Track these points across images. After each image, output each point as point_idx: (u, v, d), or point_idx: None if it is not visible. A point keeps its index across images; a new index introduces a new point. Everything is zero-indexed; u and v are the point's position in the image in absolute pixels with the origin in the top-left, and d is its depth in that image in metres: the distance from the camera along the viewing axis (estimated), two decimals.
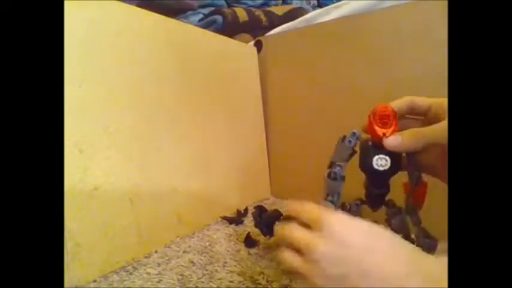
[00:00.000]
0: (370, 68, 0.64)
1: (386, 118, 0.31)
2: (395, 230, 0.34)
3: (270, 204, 0.74)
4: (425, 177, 0.33)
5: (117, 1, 0.50)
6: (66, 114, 0.39)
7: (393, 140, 0.30)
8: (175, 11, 0.96)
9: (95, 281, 0.42)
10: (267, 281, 0.43)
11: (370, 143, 0.32)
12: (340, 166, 0.33)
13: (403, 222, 0.34)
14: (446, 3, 0.25)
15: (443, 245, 0.30)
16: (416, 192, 0.33)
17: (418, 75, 0.57)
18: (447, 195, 0.23)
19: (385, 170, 0.31)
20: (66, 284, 0.39)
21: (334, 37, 0.70)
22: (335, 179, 0.32)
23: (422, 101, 0.33)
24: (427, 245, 0.32)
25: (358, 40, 0.66)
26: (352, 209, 0.35)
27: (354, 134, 0.33)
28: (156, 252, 0.50)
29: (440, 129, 0.30)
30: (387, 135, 0.30)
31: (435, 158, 0.34)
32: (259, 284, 0.42)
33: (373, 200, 0.34)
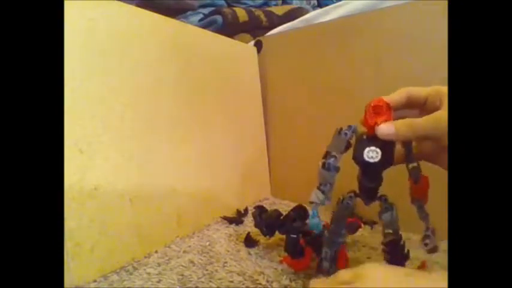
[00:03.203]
0: (370, 68, 0.64)
1: (380, 108, 0.31)
2: (386, 225, 0.35)
3: (270, 204, 0.74)
4: (426, 171, 0.34)
5: (117, 1, 0.50)
6: (66, 114, 0.39)
7: (385, 129, 0.30)
8: (175, 11, 0.96)
9: (95, 281, 0.42)
10: (267, 281, 0.43)
11: (364, 136, 0.32)
12: (335, 157, 0.33)
13: (393, 218, 0.35)
14: (446, 3, 0.25)
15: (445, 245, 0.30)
16: (417, 187, 0.33)
17: (418, 75, 0.57)
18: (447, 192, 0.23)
19: (375, 162, 0.31)
20: (66, 284, 0.39)
21: (334, 37, 0.70)
22: (328, 169, 0.33)
23: (419, 91, 0.33)
24: (432, 244, 0.32)
25: (358, 40, 0.66)
26: (345, 201, 0.35)
27: (350, 127, 0.34)
28: (156, 252, 0.50)
29: (434, 120, 0.29)
30: (379, 123, 0.30)
31: (433, 145, 0.34)
32: (259, 284, 0.42)
33: (365, 193, 0.35)
